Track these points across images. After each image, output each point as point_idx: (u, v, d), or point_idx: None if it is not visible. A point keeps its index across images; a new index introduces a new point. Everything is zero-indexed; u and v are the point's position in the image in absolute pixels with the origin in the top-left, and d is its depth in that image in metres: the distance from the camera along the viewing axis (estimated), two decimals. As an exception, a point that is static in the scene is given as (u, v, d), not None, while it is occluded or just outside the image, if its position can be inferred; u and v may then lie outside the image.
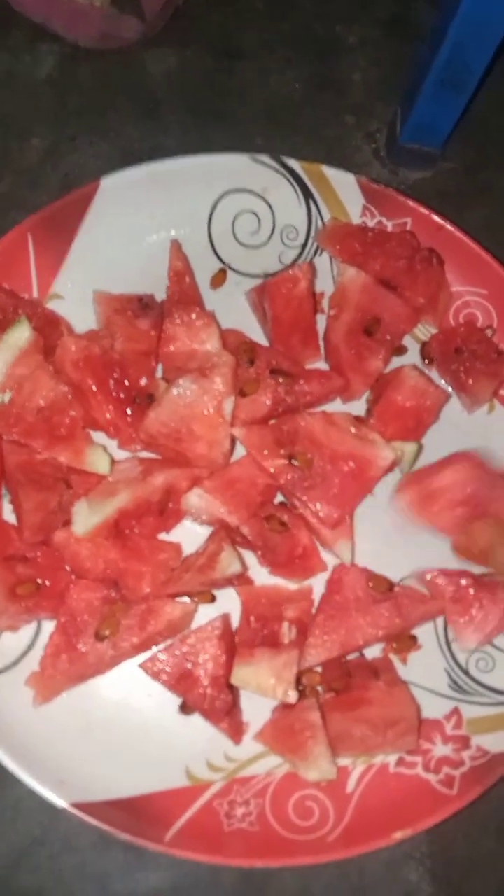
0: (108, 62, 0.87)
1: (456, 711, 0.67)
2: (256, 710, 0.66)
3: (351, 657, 0.67)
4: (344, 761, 0.65)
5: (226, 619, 0.66)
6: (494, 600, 0.66)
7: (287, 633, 0.65)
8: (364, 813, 0.63)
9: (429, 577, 0.68)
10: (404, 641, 0.68)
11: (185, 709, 0.65)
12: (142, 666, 0.64)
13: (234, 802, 0.63)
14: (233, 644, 0.66)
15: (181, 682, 0.64)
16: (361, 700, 0.63)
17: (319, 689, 0.66)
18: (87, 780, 0.62)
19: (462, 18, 0.66)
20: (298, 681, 0.65)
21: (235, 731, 0.64)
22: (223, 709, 0.63)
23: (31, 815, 0.65)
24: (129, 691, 0.66)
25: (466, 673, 0.68)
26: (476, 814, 0.67)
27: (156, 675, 0.64)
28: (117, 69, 0.87)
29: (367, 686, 0.64)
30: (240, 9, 0.91)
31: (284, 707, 0.65)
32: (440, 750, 0.65)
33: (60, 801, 0.60)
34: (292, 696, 0.61)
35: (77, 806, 0.60)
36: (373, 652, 0.68)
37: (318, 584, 0.69)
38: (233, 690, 0.64)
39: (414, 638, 0.69)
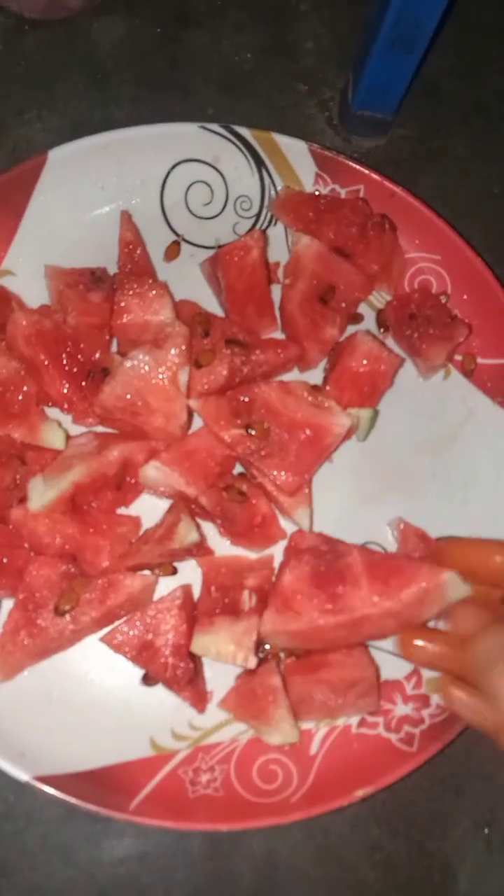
0: (55, 33, 0.85)
1: (416, 671, 0.68)
2: (220, 678, 0.66)
3: None
4: (307, 725, 0.66)
5: (186, 589, 0.67)
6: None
7: (247, 600, 0.66)
8: (327, 773, 0.64)
9: (401, 525, 0.69)
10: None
11: (147, 680, 0.65)
12: (103, 639, 0.64)
13: (199, 770, 0.64)
14: (193, 614, 0.66)
15: (142, 652, 0.64)
16: (321, 663, 0.64)
17: (281, 654, 0.66)
18: (50, 754, 0.62)
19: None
20: (259, 647, 0.65)
21: (199, 699, 0.65)
22: (185, 677, 0.63)
23: (-4, 791, 0.65)
24: (92, 665, 0.66)
25: (426, 634, 0.69)
26: (436, 773, 0.69)
27: (117, 648, 0.64)
28: (64, 40, 0.85)
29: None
30: (189, -25, 0.89)
31: (247, 673, 0.65)
32: (401, 709, 0.66)
33: (23, 775, 0.60)
34: (252, 662, 0.62)
35: (40, 779, 0.60)
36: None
37: (278, 553, 0.69)
38: (194, 660, 0.65)
39: (374, 602, 0.69)
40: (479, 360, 0.76)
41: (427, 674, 0.68)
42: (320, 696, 0.63)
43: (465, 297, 0.76)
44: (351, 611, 0.61)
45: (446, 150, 0.87)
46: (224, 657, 0.62)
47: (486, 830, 0.69)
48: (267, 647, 0.66)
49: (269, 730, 0.63)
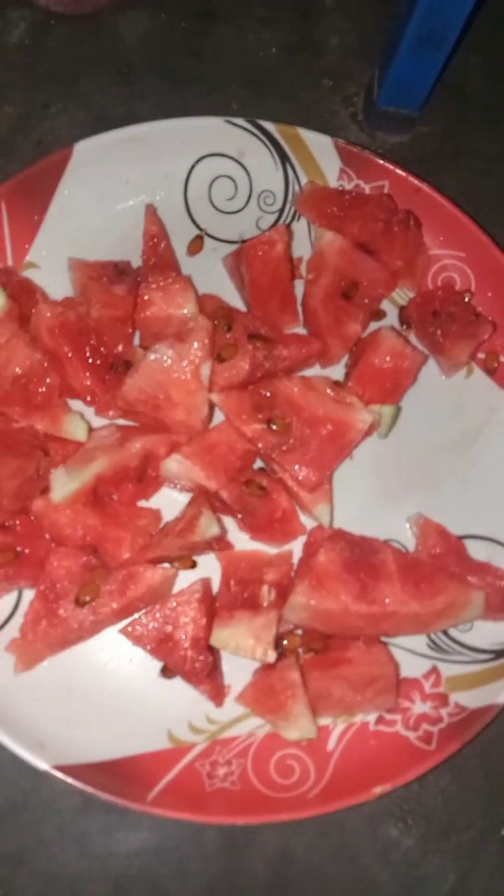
0: (80, 27, 0.86)
1: (434, 670, 0.68)
2: (238, 672, 0.66)
3: None
4: (325, 721, 0.65)
5: (206, 582, 0.67)
6: (464, 575, 0.67)
7: (266, 595, 0.66)
8: (344, 770, 0.64)
9: (422, 521, 0.69)
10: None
11: (166, 672, 0.66)
12: (122, 631, 0.65)
13: (216, 763, 0.64)
14: (213, 607, 0.66)
15: (162, 645, 0.64)
16: (341, 659, 0.64)
17: (300, 650, 0.66)
18: (68, 744, 0.62)
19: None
20: (278, 642, 0.65)
21: (217, 693, 0.65)
22: (203, 670, 0.63)
23: (13, 780, 0.66)
24: (111, 656, 0.66)
25: (445, 632, 0.69)
26: (454, 771, 0.68)
27: (137, 640, 0.64)
28: (89, 34, 0.86)
29: (346, 646, 0.65)
30: (215, -30, 0.89)
31: (265, 668, 0.65)
32: (419, 707, 0.66)
33: (42, 764, 0.60)
34: (271, 656, 0.62)
35: (59, 768, 0.60)
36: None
37: (297, 549, 0.69)
38: (213, 653, 0.65)
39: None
40: (502, 359, 0.75)
41: (446, 672, 0.67)
42: (338, 692, 0.63)
43: (490, 294, 0.75)
44: (383, 605, 0.62)
45: (470, 148, 0.86)
46: (243, 651, 0.62)
47: (502, 832, 0.69)
48: (285, 642, 0.66)
49: (287, 725, 0.63)
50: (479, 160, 0.86)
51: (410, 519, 0.71)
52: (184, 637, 0.64)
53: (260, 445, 0.68)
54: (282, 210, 0.78)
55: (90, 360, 0.69)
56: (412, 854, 0.67)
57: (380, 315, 0.76)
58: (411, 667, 0.67)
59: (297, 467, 0.67)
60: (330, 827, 0.67)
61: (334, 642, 0.65)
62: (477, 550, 0.70)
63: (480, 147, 0.87)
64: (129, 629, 0.64)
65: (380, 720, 0.66)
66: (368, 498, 0.72)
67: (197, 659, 0.63)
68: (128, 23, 0.87)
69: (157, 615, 0.64)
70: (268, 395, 0.69)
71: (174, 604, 0.64)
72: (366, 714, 0.66)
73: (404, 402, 0.73)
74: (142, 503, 0.70)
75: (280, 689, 0.63)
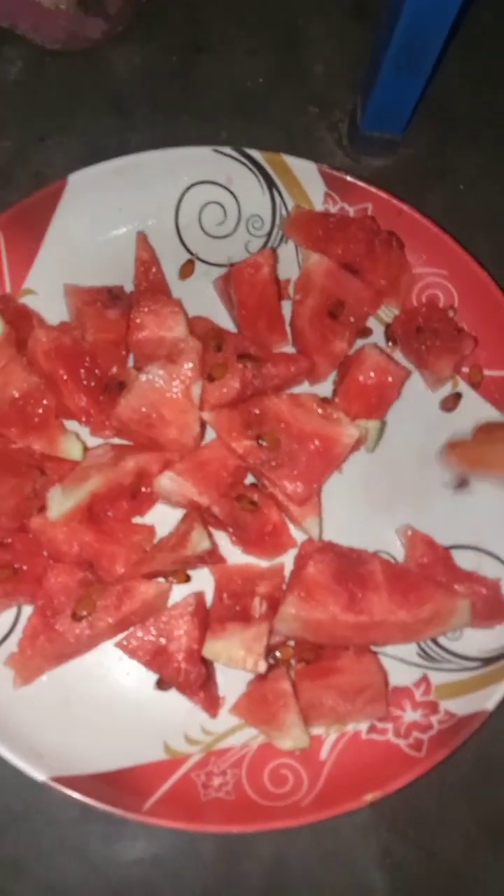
0: (75, 62, 0.89)
1: (425, 678, 0.69)
2: (232, 684, 0.68)
3: None
4: (317, 730, 0.67)
5: (199, 596, 0.68)
6: (451, 584, 0.68)
7: (258, 607, 0.67)
8: (337, 778, 0.65)
9: (409, 533, 0.70)
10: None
11: (161, 684, 0.67)
12: (118, 644, 0.66)
13: (212, 773, 0.65)
14: (206, 620, 0.68)
15: (156, 658, 0.66)
16: (331, 669, 0.65)
17: (292, 661, 0.68)
18: (66, 755, 0.64)
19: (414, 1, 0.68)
20: (270, 653, 0.66)
21: (211, 704, 0.66)
22: (197, 682, 0.65)
23: (12, 791, 0.67)
24: (108, 669, 0.68)
25: (434, 641, 0.70)
26: (445, 779, 0.69)
27: (132, 653, 0.66)
28: (83, 69, 0.89)
29: (337, 656, 0.66)
30: (203, 2, 0.93)
31: (258, 679, 0.66)
32: (410, 716, 0.67)
33: (40, 776, 0.62)
34: (261, 667, 0.63)
35: (57, 780, 0.62)
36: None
37: (289, 562, 0.71)
38: (207, 665, 0.66)
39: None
40: (486, 372, 0.77)
41: (436, 680, 0.69)
42: (330, 701, 0.65)
43: (472, 310, 0.77)
44: (371, 614, 0.64)
45: (453, 167, 0.89)
46: (235, 662, 0.64)
47: (494, 836, 0.69)
48: (277, 654, 0.68)
49: (280, 735, 0.64)
50: (462, 179, 0.89)
51: (399, 530, 0.72)
52: (178, 649, 0.65)
53: (250, 461, 0.70)
54: (269, 234, 0.81)
55: (85, 382, 0.72)
56: (406, 860, 0.68)
57: (366, 333, 0.78)
58: (402, 675, 0.69)
59: (286, 482, 0.69)
60: (324, 835, 0.68)
61: (325, 652, 0.67)
62: (465, 560, 0.72)
63: (463, 166, 0.89)
64: (124, 642, 0.66)
65: (372, 729, 0.67)
66: (357, 510, 0.73)
67: (191, 671, 0.65)
68: (120, 57, 0.90)
69: (152, 628, 0.66)
70: (257, 412, 0.71)
71: (168, 617, 0.66)
72: (357, 723, 0.67)
73: (390, 417, 0.75)
74: (136, 519, 0.72)
75: (272, 700, 0.65)
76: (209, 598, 0.70)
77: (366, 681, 0.65)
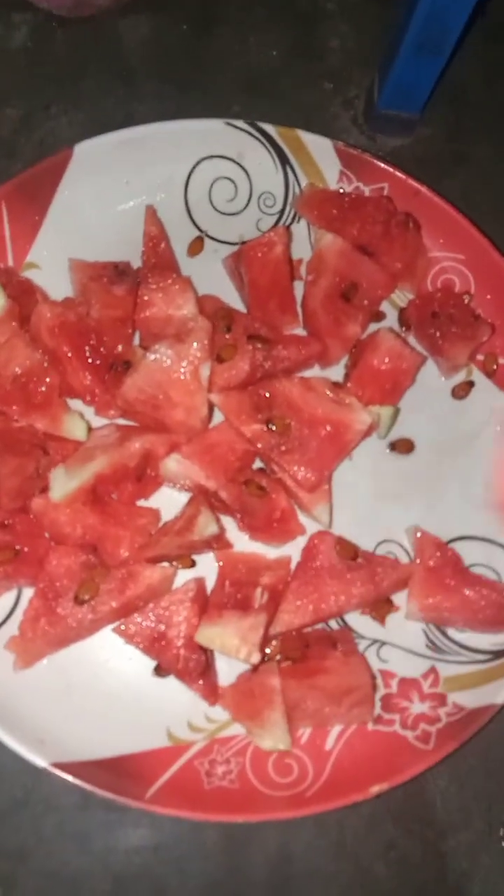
0: (82, 31, 0.86)
1: (433, 670, 0.68)
2: (234, 672, 0.66)
3: (312, 628, 0.68)
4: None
5: (199, 582, 0.67)
6: (460, 587, 0.67)
7: (259, 597, 0.66)
8: (342, 769, 0.64)
9: (418, 534, 0.69)
10: (381, 605, 0.69)
11: (159, 671, 0.66)
12: (116, 630, 0.65)
13: (215, 762, 0.64)
14: (206, 607, 0.66)
15: (155, 644, 0.64)
16: (317, 669, 0.64)
17: (277, 657, 0.66)
18: (67, 741, 0.62)
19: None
20: (265, 646, 0.65)
21: (210, 692, 0.65)
22: (196, 669, 0.63)
23: (14, 777, 0.66)
24: (110, 654, 0.67)
25: (444, 633, 0.69)
26: (453, 771, 0.69)
27: (130, 638, 0.64)
28: (91, 37, 0.86)
29: (324, 655, 0.65)
30: (216, -26, 0.90)
31: (249, 671, 0.65)
32: (417, 707, 0.66)
33: (41, 762, 0.60)
34: (255, 658, 0.62)
35: (58, 766, 0.61)
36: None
37: (296, 554, 0.69)
38: (206, 652, 0.65)
39: (390, 601, 0.69)
40: (501, 360, 0.75)
41: (444, 672, 0.68)
42: (315, 702, 0.63)
43: (489, 296, 0.76)
44: None
45: (471, 151, 0.87)
46: (228, 650, 0.62)
47: (501, 832, 0.69)
48: (267, 650, 0.66)
49: (262, 732, 0.62)
50: (480, 163, 0.87)
51: (408, 530, 0.70)
52: (177, 636, 0.64)
53: (259, 445, 0.68)
54: (282, 212, 0.78)
55: (90, 360, 0.70)
56: (412, 854, 0.67)
57: (379, 316, 0.76)
58: (410, 667, 0.68)
59: (296, 467, 0.67)
60: (329, 826, 0.67)
61: (312, 651, 0.65)
62: (474, 551, 0.71)
63: (480, 150, 0.87)
64: (123, 627, 0.64)
65: (378, 720, 0.66)
66: (367, 498, 0.72)
67: (190, 658, 0.63)
68: (128, 26, 0.87)
69: (150, 614, 0.64)
70: (267, 395, 0.69)
71: (167, 603, 0.64)
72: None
73: (403, 403, 0.74)
74: (141, 502, 0.70)
75: (259, 695, 0.63)
76: (210, 585, 0.68)
77: (352, 682, 0.64)
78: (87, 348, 0.70)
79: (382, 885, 0.67)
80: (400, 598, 0.70)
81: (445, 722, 0.65)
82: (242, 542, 0.70)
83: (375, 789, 0.62)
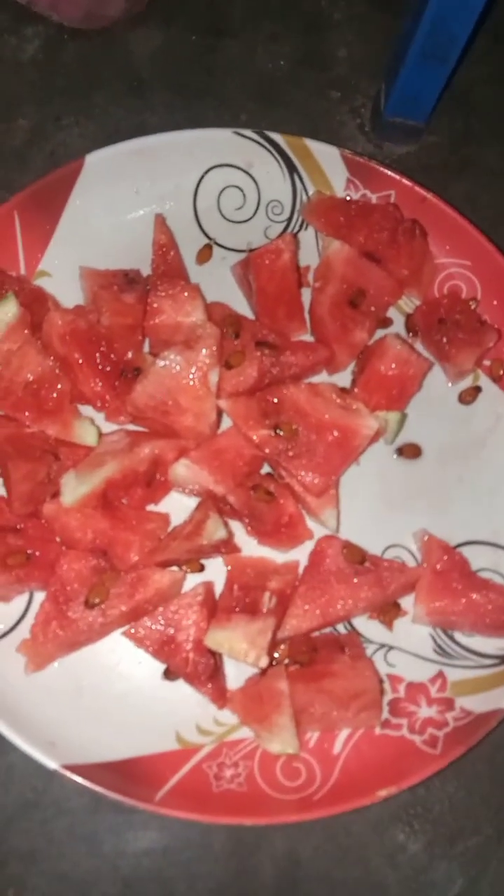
0: (93, 42, 0.88)
1: (441, 675, 0.68)
2: (243, 676, 0.67)
3: (320, 632, 0.68)
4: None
5: (208, 586, 0.68)
6: (467, 591, 0.67)
7: (267, 601, 0.66)
8: (350, 773, 0.64)
9: (426, 538, 0.69)
10: (389, 609, 0.69)
11: (168, 674, 0.66)
12: (126, 633, 0.66)
13: (223, 765, 0.65)
14: (215, 611, 0.67)
15: (164, 647, 0.65)
16: (325, 672, 0.64)
17: (286, 661, 0.66)
18: (78, 743, 0.63)
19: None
20: (273, 650, 0.65)
21: (218, 695, 0.65)
22: (205, 673, 0.64)
23: (25, 780, 0.66)
24: (120, 658, 0.67)
25: (451, 637, 0.69)
26: (461, 776, 0.69)
27: (139, 642, 0.65)
28: (102, 49, 0.88)
29: (332, 659, 0.65)
30: (225, -15, 0.91)
31: (258, 675, 0.65)
32: (425, 712, 0.66)
33: (52, 763, 0.61)
34: (263, 661, 0.62)
35: (69, 768, 0.61)
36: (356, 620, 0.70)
37: (304, 559, 0.70)
38: (215, 656, 0.65)
39: (398, 605, 0.70)
40: (508, 366, 0.76)
41: (452, 676, 0.68)
42: (322, 706, 0.63)
43: (495, 302, 0.76)
44: None
45: (477, 158, 0.87)
46: (236, 654, 0.63)
47: (509, 837, 0.69)
48: (276, 653, 0.66)
49: (270, 736, 0.63)
50: (486, 169, 0.87)
51: (415, 534, 0.71)
52: (186, 640, 0.64)
53: (267, 451, 0.69)
54: (290, 219, 0.79)
55: (100, 367, 0.71)
56: (419, 858, 0.68)
57: (386, 323, 0.77)
58: (417, 671, 0.68)
59: (303, 472, 0.68)
60: (337, 830, 0.67)
61: (320, 655, 0.66)
62: (481, 556, 0.71)
63: (487, 156, 0.88)
64: (133, 631, 0.65)
65: (386, 724, 0.66)
66: (375, 503, 0.72)
67: (199, 661, 0.64)
68: (139, 38, 0.89)
69: (160, 618, 0.65)
70: (275, 401, 0.70)
71: (176, 607, 0.65)
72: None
73: (410, 409, 0.74)
74: (151, 507, 0.71)
75: (267, 699, 0.63)
76: (219, 589, 0.69)
77: (360, 687, 0.64)
78: (97, 355, 0.71)
79: (390, 889, 0.67)
80: (407, 603, 0.70)
81: (453, 726, 0.65)
82: (251, 546, 0.70)
83: (383, 793, 0.62)
